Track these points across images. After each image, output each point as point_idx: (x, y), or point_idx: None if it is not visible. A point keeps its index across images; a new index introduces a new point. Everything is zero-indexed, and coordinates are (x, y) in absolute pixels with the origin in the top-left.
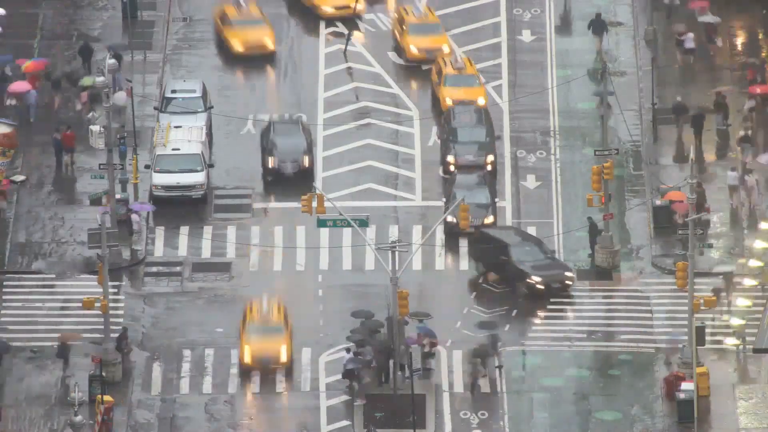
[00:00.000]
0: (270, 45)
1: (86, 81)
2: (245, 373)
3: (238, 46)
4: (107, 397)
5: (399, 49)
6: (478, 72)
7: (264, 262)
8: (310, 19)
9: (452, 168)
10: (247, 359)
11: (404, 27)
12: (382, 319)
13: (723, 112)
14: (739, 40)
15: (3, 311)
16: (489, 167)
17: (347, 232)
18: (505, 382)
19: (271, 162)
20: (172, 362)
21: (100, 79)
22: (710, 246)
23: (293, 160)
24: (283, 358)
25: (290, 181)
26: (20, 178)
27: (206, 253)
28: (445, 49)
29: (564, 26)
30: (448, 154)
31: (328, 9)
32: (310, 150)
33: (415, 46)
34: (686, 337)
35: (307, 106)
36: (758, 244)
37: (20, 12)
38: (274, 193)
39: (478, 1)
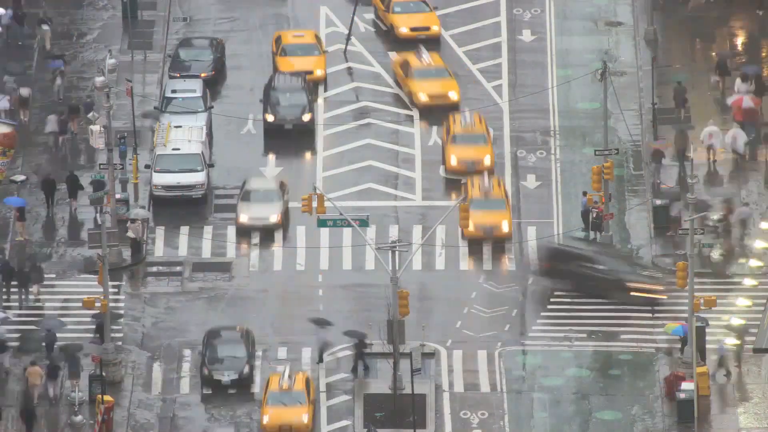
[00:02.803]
0: (455, 97)
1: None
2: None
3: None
4: (107, 397)
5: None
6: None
7: (264, 262)
8: (312, 18)
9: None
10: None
11: (449, 137)
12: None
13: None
14: (739, 40)
15: (5, 312)
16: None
17: (347, 232)
18: (505, 382)
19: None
20: (172, 362)
21: (100, 79)
22: (710, 246)
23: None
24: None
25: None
26: (20, 178)
27: (206, 253)
28: (486, 161)
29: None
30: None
31: (404, 30)
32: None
33: (456, 157)
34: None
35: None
36: (758, 244)
37: (20, 12)
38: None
39: (478, 1)
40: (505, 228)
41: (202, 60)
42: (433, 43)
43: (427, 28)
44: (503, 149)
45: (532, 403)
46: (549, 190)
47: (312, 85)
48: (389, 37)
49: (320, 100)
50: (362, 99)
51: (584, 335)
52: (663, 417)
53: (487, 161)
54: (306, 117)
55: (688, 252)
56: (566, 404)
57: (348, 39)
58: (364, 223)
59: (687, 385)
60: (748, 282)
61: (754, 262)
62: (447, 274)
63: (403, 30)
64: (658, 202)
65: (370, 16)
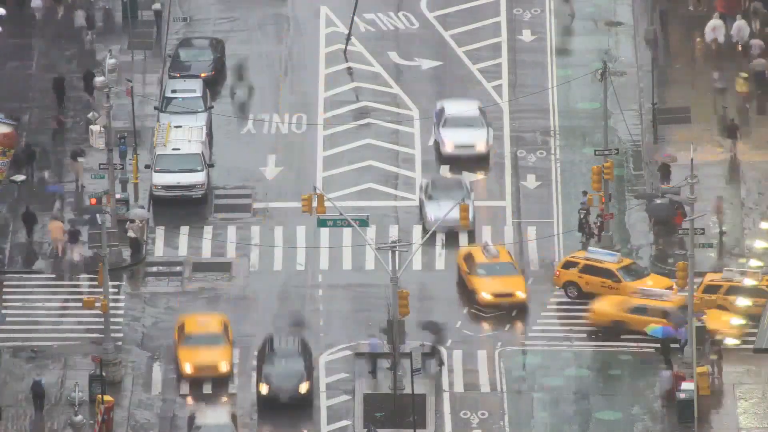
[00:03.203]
0: (521, 296)
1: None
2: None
3: (486, 297)
4: (107, 397)
5: None
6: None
7: (264, 262)
8: (313, 21)
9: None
10: None
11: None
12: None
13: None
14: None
15: (4, 311)
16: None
17: (347, 232)
18: (505, 382)
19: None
20: (172, 362)
21: (100, 79)
22: (710, 246)
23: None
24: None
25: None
26: (20, 178)
27: (206, 253)
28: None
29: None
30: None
31: (487, 296)
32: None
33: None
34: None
35: (307, 106)
36: (758, 244)
37: (20, 12)
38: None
39: (478, 1)
40: (521, 295)
41: (202, 60)
42: (520, 312)
43: (511, 294)
44: (503, 149)
45: (532, 403)
46: (549, 190)
47: (310, 349)
48: (389, 38)
49: (320, 100)
50: (362, 99)
51: (584, 335)
52: (663, 417)
53: (521, 295)
54: (303, 388)
55: (689, 252)
56: (566, 404)
57: (348, 39)
58: (364, 223)
59: (687, 385)
60: (748, 282)
61: (754, 262)
62: (447, 274)
63: (486, 296)
64: (659, 201)
65: (370, 16)
